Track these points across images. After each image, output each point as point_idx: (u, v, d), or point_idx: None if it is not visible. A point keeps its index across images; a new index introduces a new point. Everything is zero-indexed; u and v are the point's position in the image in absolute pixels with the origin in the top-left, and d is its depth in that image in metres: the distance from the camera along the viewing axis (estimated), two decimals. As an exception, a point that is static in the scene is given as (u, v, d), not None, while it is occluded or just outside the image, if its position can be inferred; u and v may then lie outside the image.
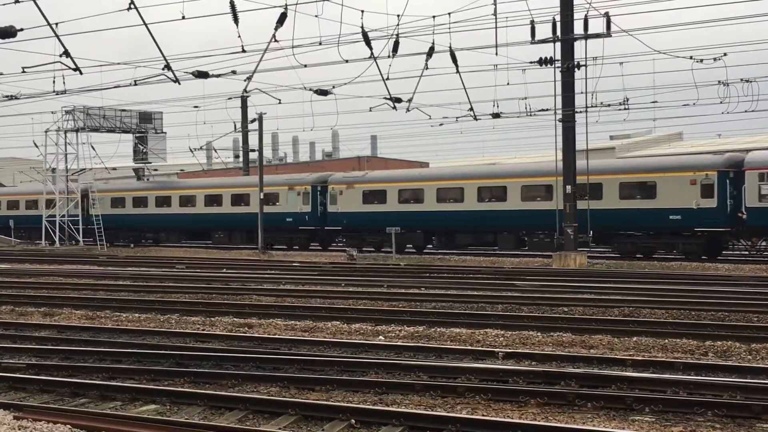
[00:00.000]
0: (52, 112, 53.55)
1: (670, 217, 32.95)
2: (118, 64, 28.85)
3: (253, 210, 45.35)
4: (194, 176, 65.74)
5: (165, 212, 50.95)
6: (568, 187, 32.46)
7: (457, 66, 29.02)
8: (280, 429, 8.91)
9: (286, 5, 23.29)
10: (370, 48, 26.04)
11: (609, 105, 33.64)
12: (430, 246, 41.97)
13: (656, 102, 35.02)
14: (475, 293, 21.05)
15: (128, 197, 53.28)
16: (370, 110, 33.42)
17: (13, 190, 65.75)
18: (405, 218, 40.07)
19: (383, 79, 27.98)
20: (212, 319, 17.56)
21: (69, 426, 8.67)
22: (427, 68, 28.53)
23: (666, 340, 13.87)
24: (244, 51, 24.62)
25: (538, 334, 14.77)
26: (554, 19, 31.24)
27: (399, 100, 30.89)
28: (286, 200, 45.42)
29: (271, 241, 45.56)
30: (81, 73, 24.16)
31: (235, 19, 22.68)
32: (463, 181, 39.45)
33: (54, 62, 24.41)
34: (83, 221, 52.38)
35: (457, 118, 36.01)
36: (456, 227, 39.16)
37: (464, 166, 52.43)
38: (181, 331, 15.89)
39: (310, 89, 32.61)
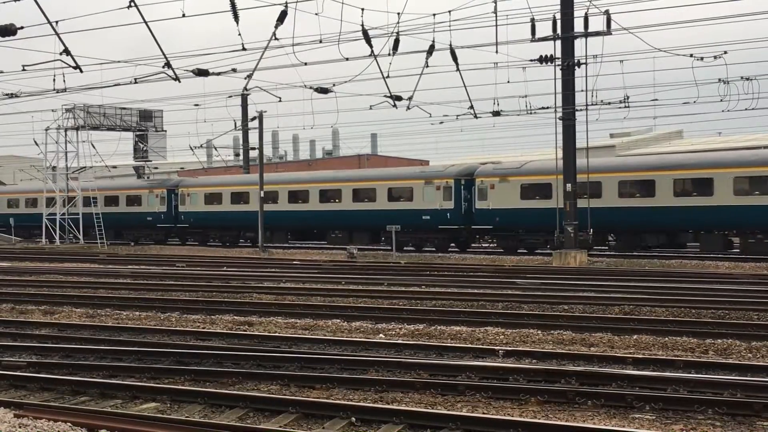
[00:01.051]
0: (53, 110, 53.43)
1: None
2: (119, 62, 28.88)
3: (378, 207, 41.50)
4: (193, 174, 65.59)
5: (271, 209, 44.98)
6: (569, 185, 32.47)
7: (457, 64, 29.01)
8: (280, 427, 8.90)
9: (287, 3, 23.30)
10: (371, 46, 26.03)
11: (609, 103, 33.66)
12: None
13: (656, 100, 35.06)
14: (476, 291, 21.06)
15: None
16: (371, 108, 33.40)
17: (14, 188, 65.75)
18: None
19: (383, 77, 27.99)
20: (213, 317, 17.57)
21: (69, 424, 8.67)
22: (427, 66, 28.51)
23: (666, 338, 13.88)
24: (244, 49, 24.63)
25: (539, 332, 14.78)
26: (554, 16, 31.25)
27: (399, 98, 30.88)
28: (422, 196, 40.21)
29: (400, 243, 39.42)
30: (81, 71, 24.15)
31: (236, 17, 22.67)
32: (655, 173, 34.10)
33: (54, 60, 24.41)
34: (172, 219, 50.96)
35: (457, 116, 36.04)
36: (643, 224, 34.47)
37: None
38: (182, 329, 15.90)
39: (311, 87, 32.60)
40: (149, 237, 52.28)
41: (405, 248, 40.05)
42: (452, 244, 40.67)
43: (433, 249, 40.07)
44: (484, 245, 42.57)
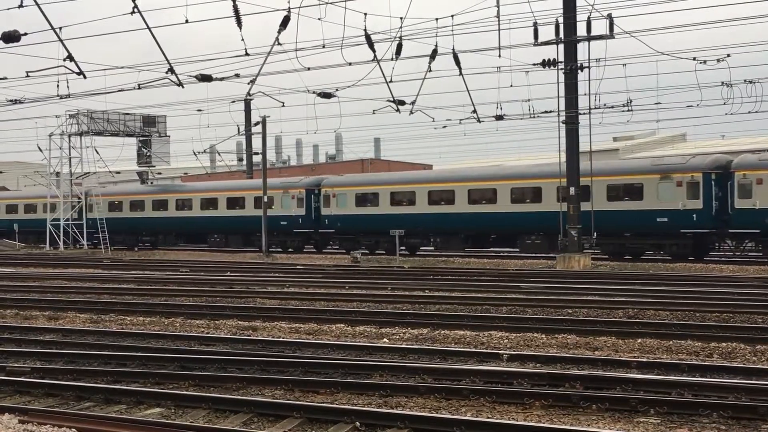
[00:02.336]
0: (56, 116, 53.54)
1: None
2: (122, 68, 28.88)
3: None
4: (196, 180, 65.69)
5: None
6: (572, 189, 32.44)
7: (460, 68, 28.98)
8: (284, 432, 8.91)
9: (290, 8, 23.29)
10: (374, 51, 26.01)
11: (612, 106, 33.59)
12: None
13: (660, 103, 34.88)
14: (479, 295, 21.04)
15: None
16: (374, 113, 33.38)
17: (17, 194, 65.81)
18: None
19: (386, 82, 27.96)
20: (216, 322, 17.58)
21: (74, 429, 8.68)
22: (430, 70, 28.47)
23: (671, 342, 13.86)
24: (247, 54, 24.60)
25: (543, 335, 14.77)
26: (557, 21, 31.24)
27: (402, 103, 30.87)
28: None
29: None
30: (85, 77, 24.16)
31: (239, 23, 22.69)
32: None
33: (58, 66, 24.41)
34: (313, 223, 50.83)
35: (460, 120, 35.95)
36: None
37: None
38: (186, 334, 15.91)
39: (314, 92, 32.61)
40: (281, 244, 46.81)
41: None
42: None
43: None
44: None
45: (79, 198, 53.88)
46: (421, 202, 40.51)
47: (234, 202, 47.77)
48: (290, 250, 45.60)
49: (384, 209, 41.58)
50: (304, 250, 45.81)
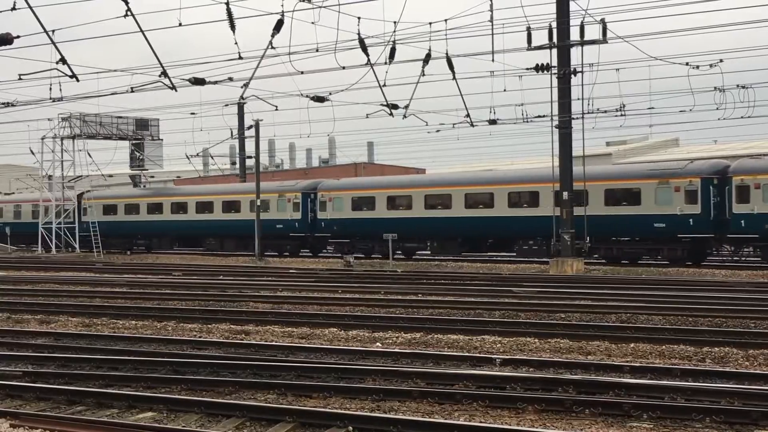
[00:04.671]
0: (49, 119, 53.41)
1: None
2: (115, 71, 28.81)
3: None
4: (189, 183, 65.50)
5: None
6: (565, 193, 32.49)
7: (453, 72, 29.02)
8: (277, 436, 8.88)
9: (283, 12, 23.31)
10: (367, 55, 26.03)
11: (605, 111, 33.66)
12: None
13: (653, 108, 34.96)
14: (473, 299, 21.04)
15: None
16: (367, 117, 33.37)
17: (9, 197, 65.61)
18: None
19: (380, 86, 27.98)
20: (209, 326, 17.54)
21: (65, 434, 8.64)
22: (423, 75, 28.49)
23: (663, 346, 13.88)
24: (240, 58, 24.61)
25: (536, 340, 14.77)
26: (550, 25, 31.30)
27: (396, 107, 30.89)
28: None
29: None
30: (77, 80, 24.14)
31: (232, 26, 22.69)
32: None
33: (51, 69, 24.39)
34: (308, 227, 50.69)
35: (453, 124, 35.99)
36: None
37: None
38: (178, 338, 15.87)
39: (307, 96, 32.59)
40: (277, 247, 46.95)
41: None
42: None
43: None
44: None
45: (71, 201, 53.71)
46: (418, 206, 40.54)
47: (230, 206, 47.79)
48: (286, 254, 45.43)
49: (380, 213, 41.57)
50: (300, 254, 45.76)
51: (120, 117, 54.79)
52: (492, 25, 28.26)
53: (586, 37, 31.09)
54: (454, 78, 29.31)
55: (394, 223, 40.43)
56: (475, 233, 39.04)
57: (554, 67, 31.69)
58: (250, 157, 49.37)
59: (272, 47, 24.06)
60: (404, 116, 31.51)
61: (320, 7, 23.85)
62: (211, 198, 49.05)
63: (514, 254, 38.30)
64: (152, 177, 61.77)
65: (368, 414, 9.50)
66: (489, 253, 41.15)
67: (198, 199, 49.49)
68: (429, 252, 41.68)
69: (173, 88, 25.26)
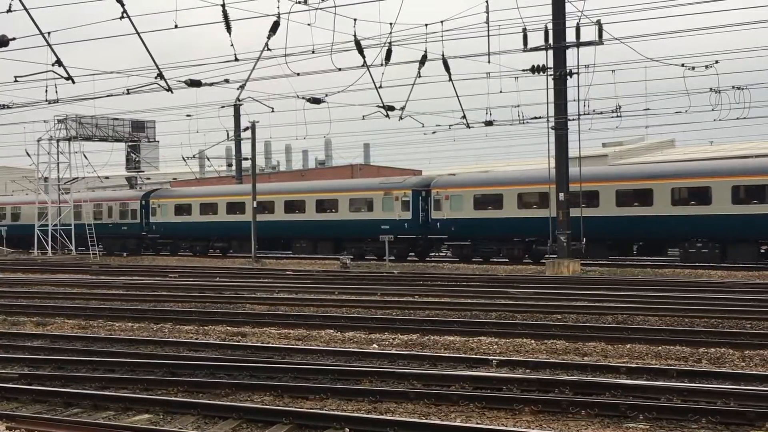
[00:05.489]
0: (45, 121, 53.34)
1: None
2: (111, 73, 28.80)
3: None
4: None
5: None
6: (561, 195, 32.51)
7: (449, 74, 29.08)
8: (274, 438, 8.87)
9: (279, 14, 23.32)
10: (363, 56, 26.07)
11: (601, 112, 33.74)
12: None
13: (648, 109, 35.06)
14: (469, 301, 21.05)
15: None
16: (363, 118, 33.42)
17: (5, 199, 65.56)
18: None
19: (376, 87, 28.02)
20: (205, 327, 17.53)
21: (62, 436, 8.63)
22: (419, 76, 28.55)
23: (660, 347, 13.89)
24: (237, 60, 24.62)
25: (532, 341, 14.78)
26: (546, 27, 31.35)
27: (392, 108, 30.92)
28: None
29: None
30: (74, 82, 24.10)
31: (228, 28, 22.69)
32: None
33: (46, 71, 24.36)
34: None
35: (450, 125, 36.06)
36: None
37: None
38: (175, 340, 15.86)
39: (303, 97, 32.64)
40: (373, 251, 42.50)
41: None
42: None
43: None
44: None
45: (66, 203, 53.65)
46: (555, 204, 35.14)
47: (325, 205, 43.29)
48: (392, 258, 40.05)
49: (510, 212, 37.24)
50: (408, 258, 41.36)
51: (116, 119, 54.76)
52: (488, 26, 28.33)
53: (582, 39, 31.16)
54: (450, 79, 29.39)
55: (525, 223, 36.60)
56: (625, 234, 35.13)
57: (550, 68, 31.74)
58: (246, 159, 49.28)
59: (268, 49, 24.07)
60: (400, 118, 31.60)
61: (316, 8, 23.89)
62: (303, 196, 44.44)
63: (678, 258, 34.64)
64: (148, 179, 61.68)
65: (365, 415, 9.50)
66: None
67: (287, 197, 44.90)
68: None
69: (169, 89, 25.26)
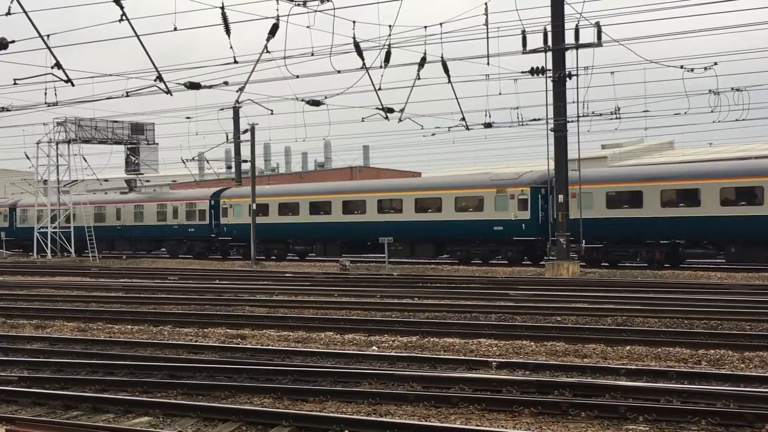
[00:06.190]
0: (44, 124, 53.60)
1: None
2: (110, 75, 28.80)
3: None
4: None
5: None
6: (561, 197, 32.52)
7: (449, 76, 29.08)
8: (273, 440, 8.87)
9: (278, 16, 23.33)
10: (362, 58, 26.08)
11: (600, 114, 33.74)
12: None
13: (648, 111, 35.05)
14: (469, 303, 21.04)
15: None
16: (363, 120, 33.43)
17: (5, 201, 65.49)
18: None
19: (375, 90, 28.01)
20: (205, 330, 17.52)
21: (61, 439, 8.63)
22: (419, 78, 28.57)
23: (659, 349, 13.89)
24: (236, 62, 24.63)
25: (532, 343, 14.78)
26: (545, 29, 31.35)
27: (391, 111, 30.92)
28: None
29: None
30: (73, 84, 24.10)
31: (227, 31, 22.70)
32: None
33: (46, 74, 24.37)
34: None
35: (449, 128, 36.07)
36: None
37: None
38: (174, 342, 15.85)
39: (302, 100, 32.62)
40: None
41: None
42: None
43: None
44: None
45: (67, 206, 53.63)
46: (709, 201, 32.36)
47: (425, 204, 39.82)
48: (504, 261, 37.62)
49: (653, 211, 33.74)
50: (524, 262, 37.74)
51: (115, 121, 54.78)
52: (487, 28, 28.34)
53: (581, 41, 31.18)
54: (450, 81, 29.39)
55: (672, 224, 33.41)
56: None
57: (549, 70, 31.75)
58: (245, 161, 49.24)
59: (267, 51, 24.09)
60: (400, 120, 31.54)
61: (315, 11, 23.90)
62: (400, 195, 40.81)
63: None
64: (147, 181, 61.66)
65: (364, 418, 9.50)
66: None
67: (380, 196, 41.37)
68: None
69: (168, 92, 25.25)
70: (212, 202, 48.95)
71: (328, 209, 43.17)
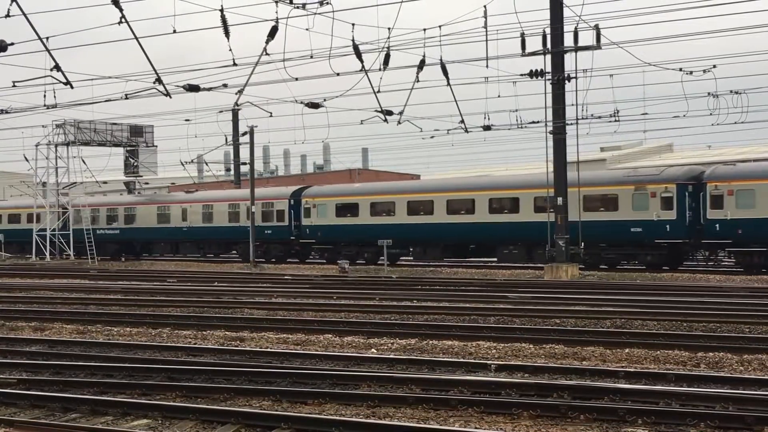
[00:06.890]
0: (43, 126, 53.31)
1: None
2: (109, 77, 28.82)
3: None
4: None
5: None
6: (560, 199, 32.52)
7: (447, 78, 29.08)
8: (272, 443, 8.87)
9: (277, 19, 23.33)
10: (361, 61, 26.08)
11: (599, 117, 33.72)
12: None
13: (646, 114, 35.04)
14: (467, 305, 21.04)
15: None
16: (362, 123, 33.43)
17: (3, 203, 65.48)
18: None
19: (374, 92, 28.01)
20: (204, 332, 17.51)
21: (60, 441, 8.62)
22: (418, 81, 28.56)
23: (658, 352, 13.89)
24: (235, 65, 24.62)
25: (531, 346, 14.78)
26: (544, 31, 31.37)
27: (390, 113, 30.93)
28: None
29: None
30: (72, 87, 24.12)
31: (226, 33, 22.71)
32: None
33: (45, 76, 24.39)
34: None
35: (448, 130, 36.03)
36: None
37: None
38: (173, 344, 15.85)
39: (301, 102, 32.62)
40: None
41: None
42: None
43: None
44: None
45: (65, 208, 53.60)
46: None
47: (501, 204, 37.67)
48: (643, 266, 34.58)
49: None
50: (662, 268, 33.93)
51: (114, 124, 54.78)
52: (486, 31, 28.35)
53: (580, 43, 31.20)
54: (449, 84, 29.39)
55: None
56: None
57: (548, 73, 31.77)
58: (244, 164, 49.24)
59: (266, 54, 24.09)
60: (399, 122, 31.55)
61: (314, 13, 23.90)
62: (516, 193, 37.46)
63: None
64: (146, 183, 61.64)
65: (363, 420, 9.50)
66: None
67: (491, 194, 38.22)
68: None
69: (168, 94, 25.26)
70: (292, 202, 45.34)
71: (429, 209, 40.01)
